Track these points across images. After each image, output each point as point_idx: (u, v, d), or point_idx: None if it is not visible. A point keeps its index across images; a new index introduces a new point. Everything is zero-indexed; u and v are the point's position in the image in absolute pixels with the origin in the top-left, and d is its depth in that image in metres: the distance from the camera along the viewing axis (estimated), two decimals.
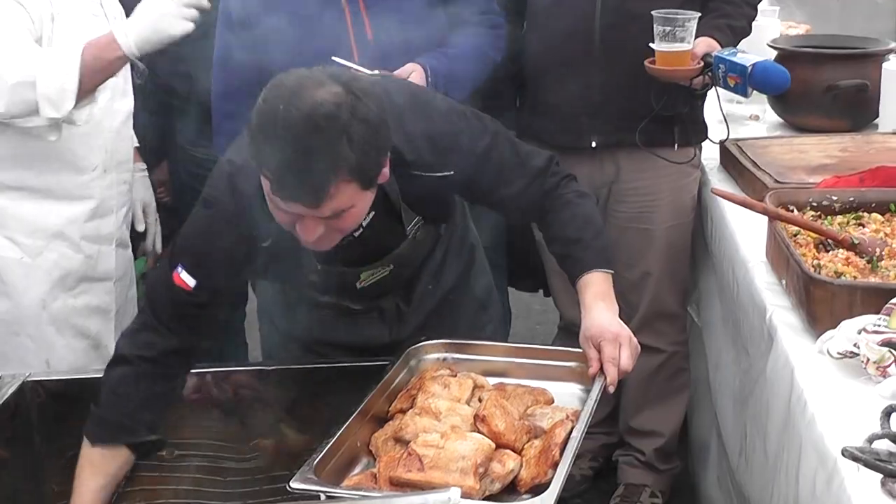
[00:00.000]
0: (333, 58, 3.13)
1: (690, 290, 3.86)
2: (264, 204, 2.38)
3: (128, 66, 3.28)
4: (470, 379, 2.54)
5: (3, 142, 3.17)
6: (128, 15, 3.29)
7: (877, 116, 3.76)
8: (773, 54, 3.92)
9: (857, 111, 3.79)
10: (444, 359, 2.71)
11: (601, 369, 2.44)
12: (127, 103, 3.48)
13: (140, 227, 3.70)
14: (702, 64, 3.35)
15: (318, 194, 2.20)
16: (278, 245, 2.57)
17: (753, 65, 3.27)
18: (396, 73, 3.19)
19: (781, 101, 3.91)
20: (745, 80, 3.28)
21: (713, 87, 3.45)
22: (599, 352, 2.45)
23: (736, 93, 3.43)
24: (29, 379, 2.90)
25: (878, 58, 3.82)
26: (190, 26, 3.00)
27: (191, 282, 2.57)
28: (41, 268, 3.27)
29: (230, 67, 3.40)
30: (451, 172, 2.65)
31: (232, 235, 2.57)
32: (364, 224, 2.59)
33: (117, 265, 3.48)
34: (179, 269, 2.58)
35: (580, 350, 2.52)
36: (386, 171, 2.38)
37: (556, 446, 2.19)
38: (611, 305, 2.56)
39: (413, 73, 3.22)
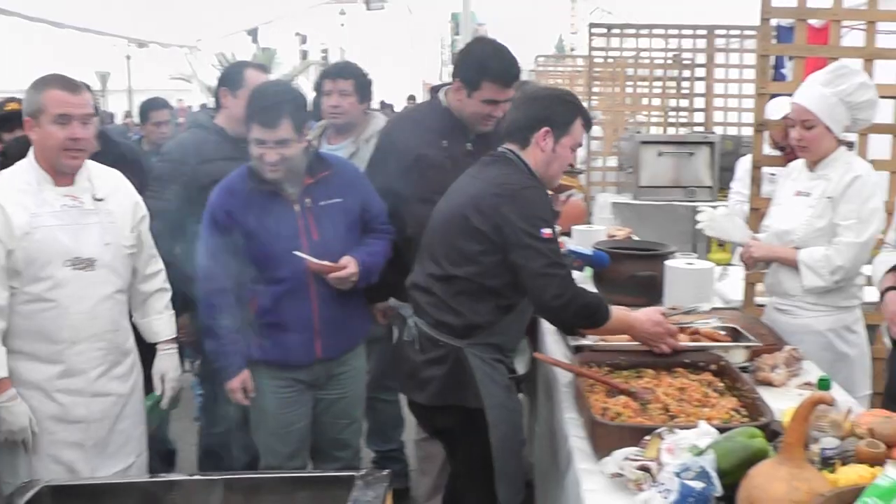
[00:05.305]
0: (294, 252, 3.39)
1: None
2: None
3: (122, 249, 3.30)
4: None
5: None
6: None
7: (662, 296, 3.92)
8: None
9: (650, 292, 3.92)
10: None
11: None
12: (104, 288, 3.28)
13: (157, 392, 3.53)
14: None
15: None
16: None
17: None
18: (337, 264, 3.45)
19: (601, 282, 4.09)
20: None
21: None
22: None
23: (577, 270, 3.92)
24: (47, 484, 2.73)
25: (663, 257, 4.05)
26: None
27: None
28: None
29: (216, 260, 3.47)
30: None
31: None
32: None
33: (91, 411, 3.28)
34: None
35: None
36: None
37: None
38: None
39: (350, 262, 3.48)
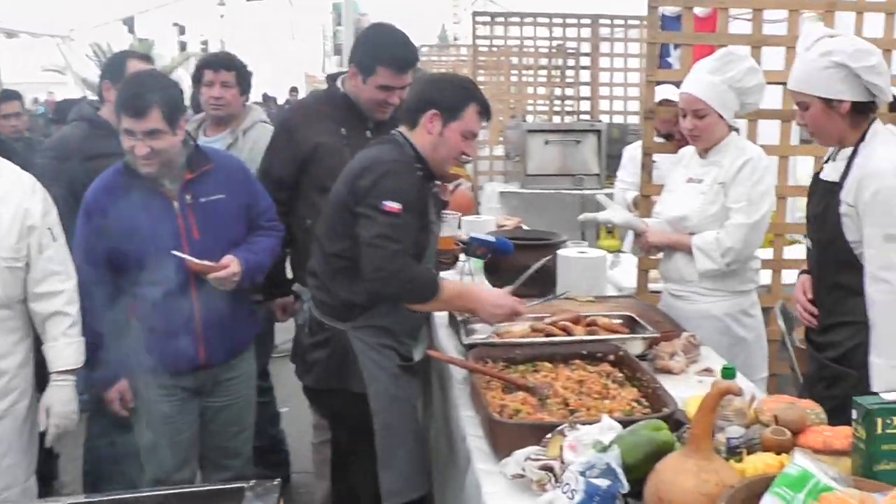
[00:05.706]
0: (173, 251, 3.22)
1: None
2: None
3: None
4: None
5: None
6: None
7: (556, 285, 3.89)
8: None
9: (544, 281, 3.84)
10: None
11: None
12: None
13: (41, 428, 3.20)
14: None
15: None
16: None
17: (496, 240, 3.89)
18: (219, 263, 3.29)
19: (493, 273, 4.01)
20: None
21: None
22: None
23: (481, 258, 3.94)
24: None
25: (556, 246, 4.02)
26: None
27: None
28: None
29: (91, 262, 3.28)
30: None
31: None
32: None
33: None
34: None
35: None
36: None
37: None
38: None
39: (232, 262, 3.31)
